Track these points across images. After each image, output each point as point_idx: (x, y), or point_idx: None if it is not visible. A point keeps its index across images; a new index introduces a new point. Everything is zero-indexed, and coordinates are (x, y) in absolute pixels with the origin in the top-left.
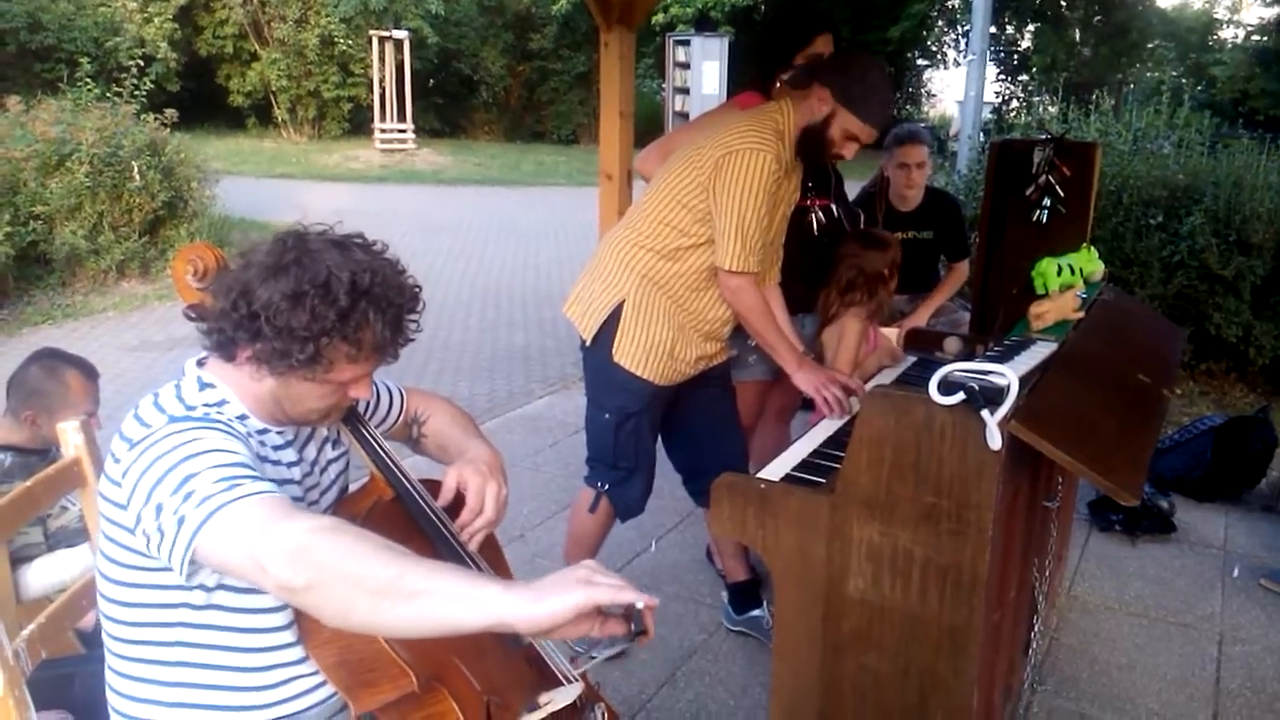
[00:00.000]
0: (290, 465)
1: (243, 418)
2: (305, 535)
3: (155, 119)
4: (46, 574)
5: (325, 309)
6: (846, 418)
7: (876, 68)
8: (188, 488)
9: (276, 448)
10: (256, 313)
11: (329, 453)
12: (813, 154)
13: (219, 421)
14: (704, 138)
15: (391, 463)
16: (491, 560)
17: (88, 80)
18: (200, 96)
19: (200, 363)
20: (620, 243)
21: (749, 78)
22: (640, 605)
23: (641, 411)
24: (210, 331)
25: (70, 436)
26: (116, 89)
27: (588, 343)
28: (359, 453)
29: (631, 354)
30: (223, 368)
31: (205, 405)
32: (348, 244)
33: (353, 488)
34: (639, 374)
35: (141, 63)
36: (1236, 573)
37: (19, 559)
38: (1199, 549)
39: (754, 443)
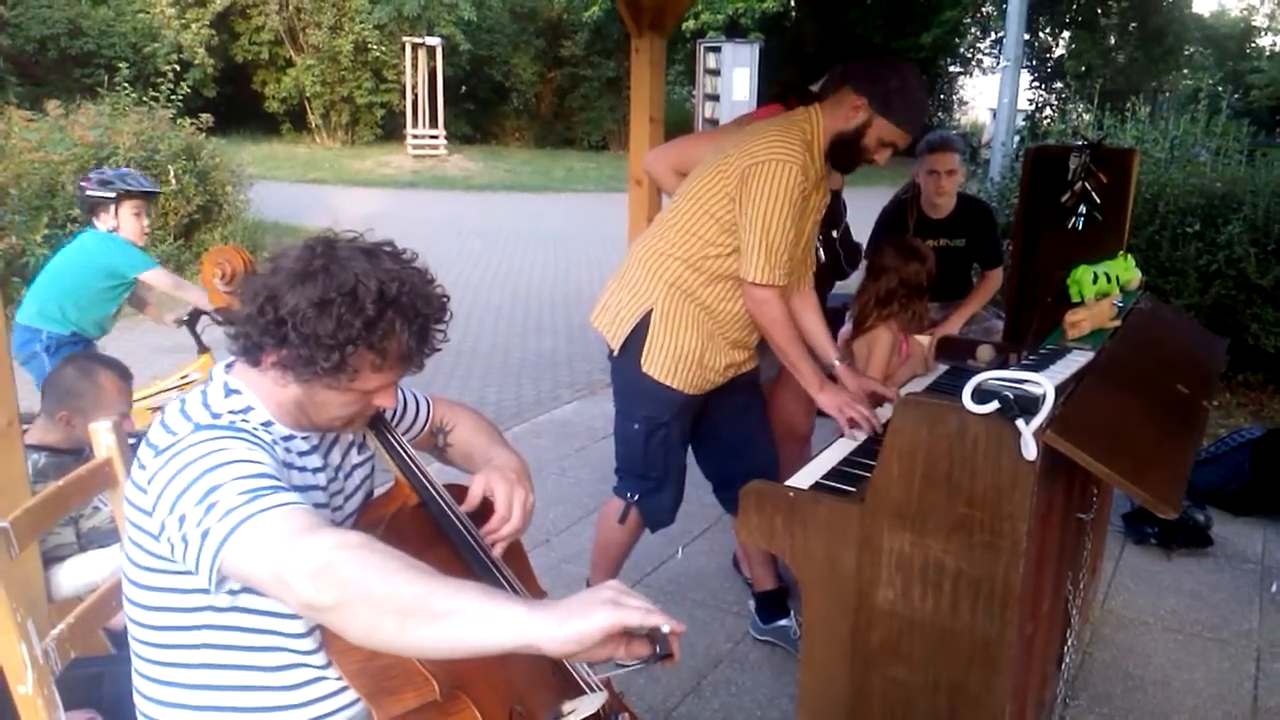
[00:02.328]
0: (315, 471)
1: (268, 424)
2: (330, 552)
3: (191, 124)
4: (78, 574)
5: (351, 317)
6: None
7: (912, 73)
8: (211, 499)
9: (302, 454)
10: (283, 319)
11: (354, 457)
12: (845, 161)
13: (244, 430)
14: (731, 146)
15: (417, 468)
16: (516, 567)
17: (126, 85)
18: (236, 102)
19: (228, 367)
20: (648, 252)
21: (777, 93)
22: (667, 630)
23: (671, 421)
24: (236, 336)
25: (102, 437)
26: (154, 94)
27: (616, 352)
28: (384, 458)
29: (660, 363)
30: (248, 373)
31: (231, 412)
32: (377, 252)
33: (377, 493)
34: (668, 383)
35: (178, 68)
36: (1275, 588)
37: (51, 559)
38: (1236, 563)
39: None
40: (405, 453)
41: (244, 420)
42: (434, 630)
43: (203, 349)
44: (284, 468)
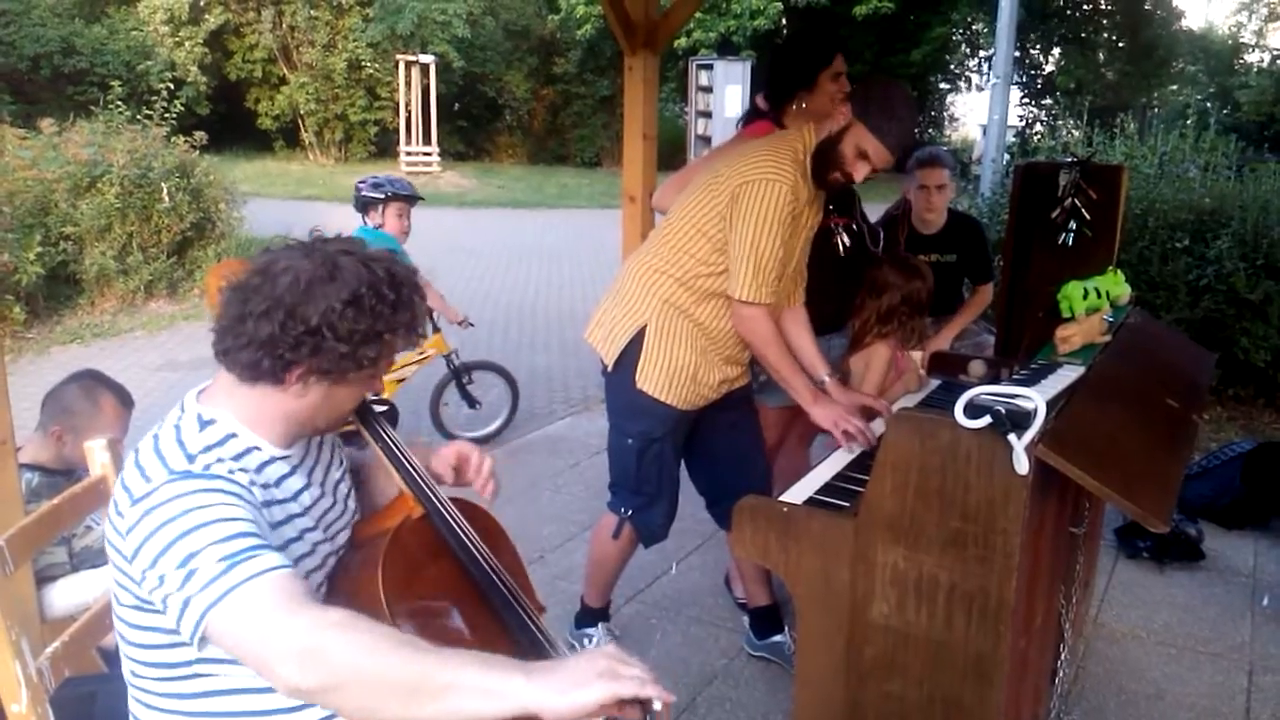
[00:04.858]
0: (297, 494)
1: (248, 451)
2: (314, 633)
3: (185, 141)
4: (70, 594)
5: (380, 305)
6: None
7: (901, 91)
8: (191, 565)
9: (282, 478)
10: (315, 327)
11: (335, 473)
12: (823, 170)
13: (219, 477)
14: (724, 165)
15: (422, 480)
16: (517, 582)
17: (119, 103)
18: (229, 119)
19: (200, 394)
20: (641, 269)
21: (761, 105)
22: (658, 706)
23: (665, 436)
24: (256, 362)
25: (97, 455)
26: (147, 112)
27: (610, 368)
28: (389, 471)
29: (655, 379)
30: (232, 395)
31: (206, 449)
32: (338, 244)
33: (380, 504)
34: (662, 399)
35: (172, 86)
36: (1266, 601)
37: (43, 578)
38: (1228, 577)
39: (776, 466)
40: (410, 464)
41: (219, 459)
42: (436, 706)
43: (435, 329)
44: (263, 509)
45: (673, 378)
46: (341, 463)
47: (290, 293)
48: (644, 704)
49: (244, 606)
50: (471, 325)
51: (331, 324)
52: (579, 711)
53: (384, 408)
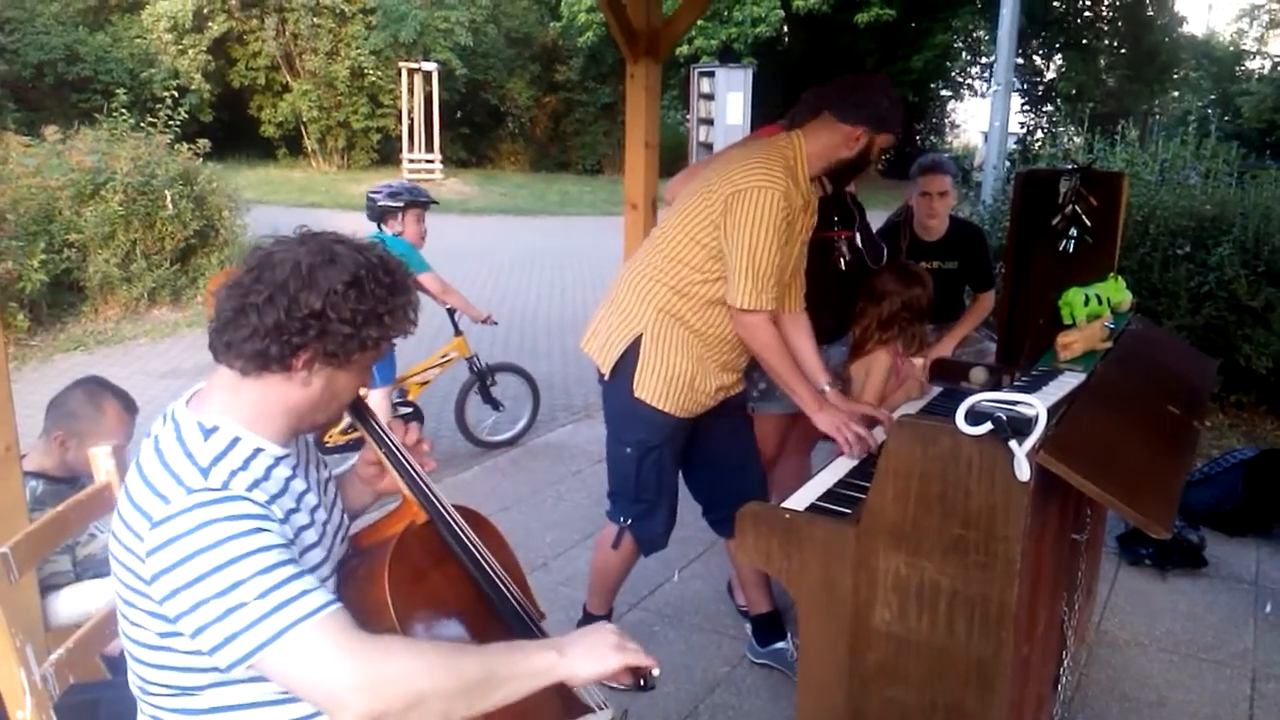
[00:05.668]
0: (302, 495)
1: (255, 454)
2: (381, 665)
3: (188, 149)
4: (74, 603)
5: (378, 288)
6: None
7: (887, 84)
8: (234, 599)
9: (288, 480)
10: (320, 311)
11: (323, 472)
12: (848, 177)
13: (242, 498)
14: (715, 174)
15: (426, 486)
16: (519, 587)
17: (123, 111)
18: (232, 127)
19: (189, 402)
20: (636, 277)
21: (776, 111)
22: (656, 673)
23: (663, 444)
24: (262, 352)
25: (102, 462)
26: (151, 119)
27: (607, 376)
28: (393, 476)
29: (652, 387)
30: (234, 393)
31: (215, 458)
32: (322, 234)
33: (386, 510)
34: (660, 407)
35: (176, 94)
36: (1269, 608)
37: (47, 586)
38: (1230, 584)
39: (775, 474)
40: (413, 469)
41: (232, 472)
42: (499, 695)
43: (458, 332)
44: (284, 522)
45: (670, 385)
46: (326, 464)
47: (293, 278)
48: (637, 674)
49: (302, 648)
50: (495, 323)
51: (335, 305)
52: (600, 676)
53: (409, 410)
